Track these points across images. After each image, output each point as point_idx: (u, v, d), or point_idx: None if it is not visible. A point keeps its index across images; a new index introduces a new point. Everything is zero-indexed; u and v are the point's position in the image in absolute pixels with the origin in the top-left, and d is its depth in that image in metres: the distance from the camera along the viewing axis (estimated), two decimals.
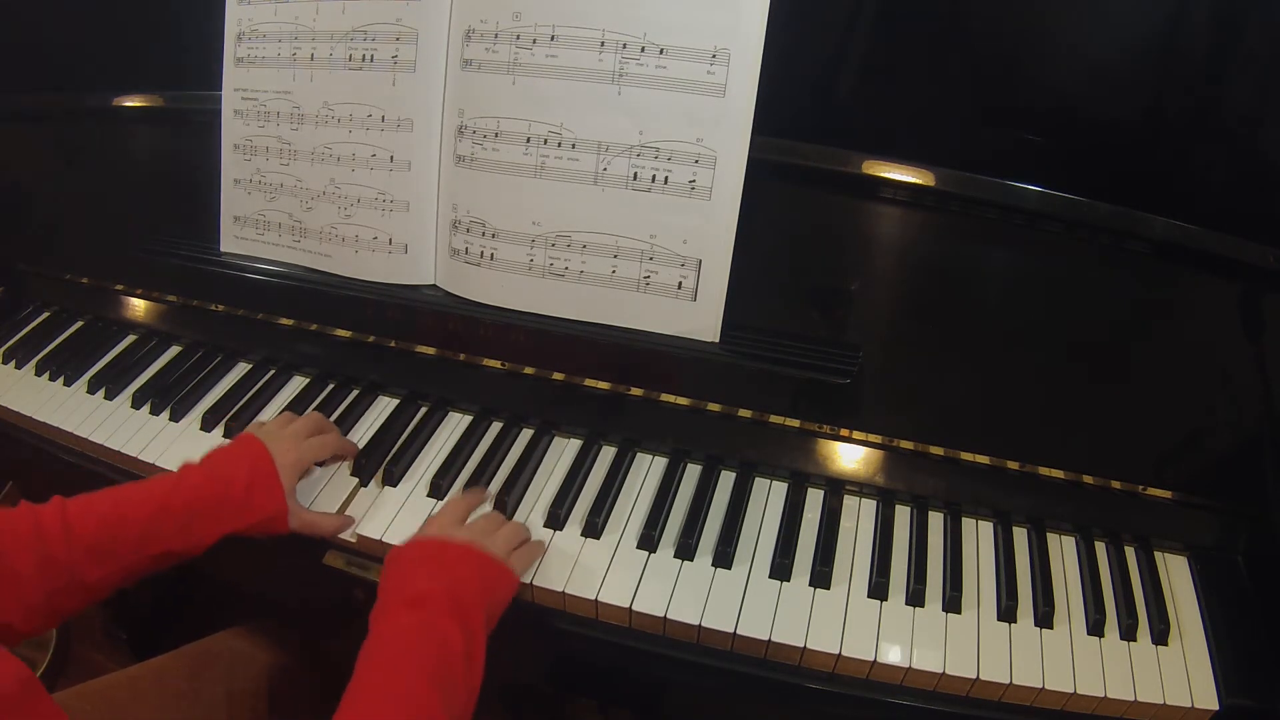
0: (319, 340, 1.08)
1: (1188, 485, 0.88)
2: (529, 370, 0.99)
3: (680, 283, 0.89)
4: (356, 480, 0.94)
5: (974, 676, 0.77)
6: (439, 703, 0.66)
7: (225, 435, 1.01)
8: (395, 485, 0.93)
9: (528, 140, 0.90)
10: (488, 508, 0.89)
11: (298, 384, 1.08)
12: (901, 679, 0.79)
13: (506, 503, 0.90)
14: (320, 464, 0.94)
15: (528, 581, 0.83)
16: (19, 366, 1.14)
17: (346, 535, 0.88)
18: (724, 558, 0.85)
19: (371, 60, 0.95)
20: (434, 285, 1.00)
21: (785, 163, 0.89)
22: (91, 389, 1.08)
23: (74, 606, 0.75)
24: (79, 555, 0.73)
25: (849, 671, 0.80)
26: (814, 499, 0.92)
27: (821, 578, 0.84)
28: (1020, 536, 0.90)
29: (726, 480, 0.94)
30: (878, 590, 0.83)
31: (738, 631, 0.79)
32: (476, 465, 0.95)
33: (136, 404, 1.05)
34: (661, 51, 0.84)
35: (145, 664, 0.92)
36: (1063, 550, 0.89)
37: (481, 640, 0.72)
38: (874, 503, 0.92)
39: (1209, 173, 0.91)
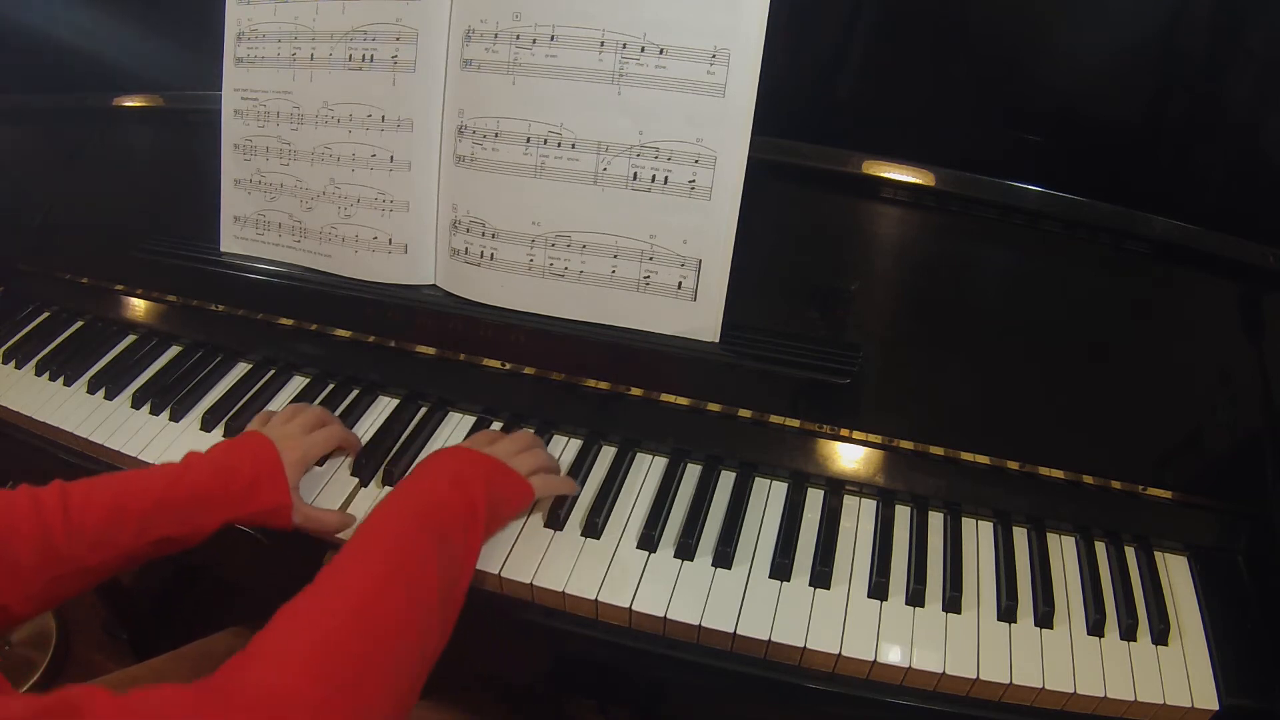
0: (319, 340, 1.08)
1: (1188, 485, 0.88)
2: (529, 370, 0.99)
3: (680, 283, 0.89)
4: (357, 480, 0.94)
5: (974, 676, 0.77)
6: (429, 544, 0.69)
7: (225, 435, 1.01)
8: (395, 485, 0.93)
9: (528, 140, 0.90)
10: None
11: (298, 384, 1.08)
12: (901, 679, 0.79)
13: None
14: (325, 458, 0.94)
15: (527, 582, 0.83)
16: (19, 366, 1.14)
17: (346, 535, 0.88)
18: (724, 558, 0.85)
19: (371, 60, 0.95)
20: (434, 285, 1.00)
21: (785, 163, 0.89)
22: (91, 389, 1.08)
23: (72, 591, 0.74)
24: (78, 541, 0.72)
25: (849, 671, 0.80)
26: (814, 499, 0.92)
27: (821, 578, 0.84)
28: (1020, 536, 0.90)
29: (726, 480, 0.94)
30: (878, 590, 0.83)
31: (738, 631, 0.80)
32: None
33: (136, 404, 1.05)
34: (661, 51, 0.84)
35: (145, 664, 0.92)
36: (1063, 550, 0.89)
37: (481, 516, 0.75)
38: (874, 503, 0.92)
39: (1209, 173, 0.91)
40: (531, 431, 0.92)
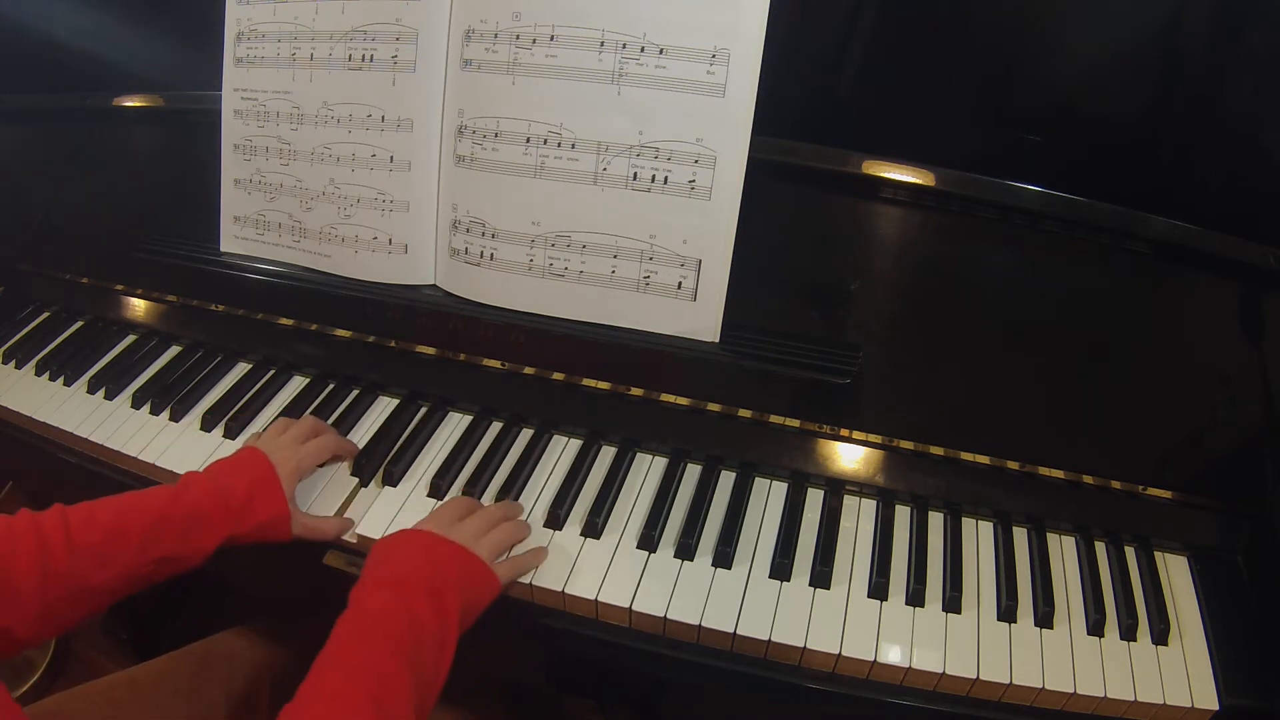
0: (319, 340, 1.08)
1: (1188, 485, 0.88)
2: (529, 370, 0.99)
3: (680, 283, 0.89)
4: (357, 480, 0.94)
5: (974, 676, 0.77)
6: (407, 680, 0.67)
7: (225, 435, 1.01)
8: (395, 485, 0.94)
9: (527, 140, 0.90)
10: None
11: (298, 384, 1.08)
12: (901, 679, 0.79)
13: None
14: (320, 465, 0.94)
15: (527, 582, 0.83)
16: (19, 366, 1.14)
17: (347, 536, 0.88)
18: (724, 558, 0.85)
19: (371, 60, 0.95)
20: (434, 285, 1.00)
21: (785, 163, 0.89)
22: (91, 389, 1.08)
23: (75, 615, 0.74)
24: (80, 562, 0.73)
25: (849, 671, 0.80)
26: (814, 499, 0.92)
27: (821, 578, 0.84)
28: (1020, 536, 0.90)
29: (726, 480, 0.94)
30: (878, 590, 0.83)
31: (738, 631, 0.80)
32: (476, 465, 0.95)
33: (136, 404, 1.05)
34: (661, 51, 0.84)
35: (145, 664, 0.92)
36: (1063, 550, 0.89)
37: (454, 631, 0.73)
38: (874, 503, 0.92)
39: (1209, 173, 0.91)
40: (507, 502, 0.89)
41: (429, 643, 0.70)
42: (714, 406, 0.95)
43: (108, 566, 0.74)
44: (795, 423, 0.93)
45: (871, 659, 0.78)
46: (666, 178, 0.86)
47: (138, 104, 1.15)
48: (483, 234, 0.94)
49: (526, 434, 0.99)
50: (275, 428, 0.94)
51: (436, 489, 0.93)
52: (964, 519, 0.91)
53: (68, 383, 1.10)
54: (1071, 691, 0.77)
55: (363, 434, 1.00)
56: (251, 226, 1.07)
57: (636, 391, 0.96)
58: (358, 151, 0.98)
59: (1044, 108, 0.92)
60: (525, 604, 0.84)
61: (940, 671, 0.77)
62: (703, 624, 0.80)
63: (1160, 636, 0.81)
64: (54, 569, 0.72)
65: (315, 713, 0.64)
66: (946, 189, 0.88)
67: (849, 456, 0.93)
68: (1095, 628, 0.81)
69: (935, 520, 0.91)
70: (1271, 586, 0.85)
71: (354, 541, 0.89)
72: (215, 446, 0.99)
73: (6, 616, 0.69)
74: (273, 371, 1.09)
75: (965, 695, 0.79)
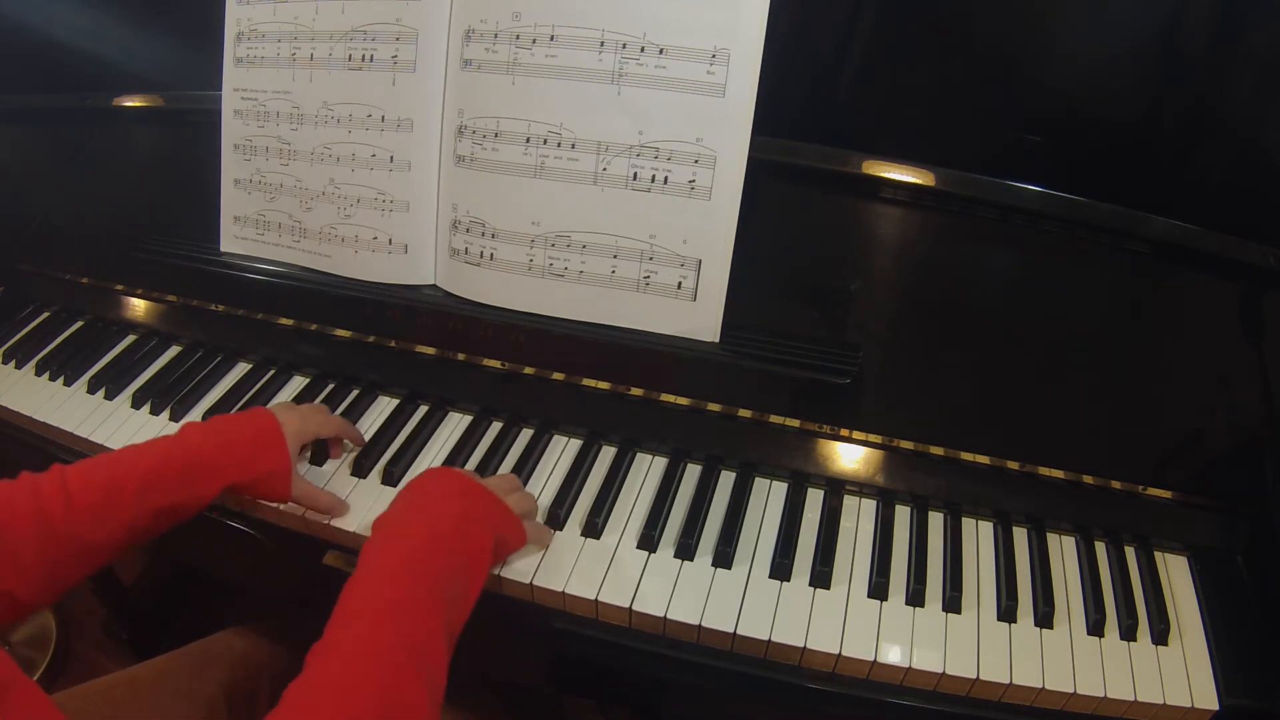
0: (319, 340, 1.08)
1: (1188, 485, 0.88)
2: (529, 370, 0.99)
3: (680, 283, 0.89)
4: (357, 480, 0.94)
5: (974, 676, 0.77)
6: (439, 613, 0.66)
7: None
8: (395, 485, 0.93)
9: (527, 140, 0.90)
10: None
11: (298, 384, 1.08)
12: (901, 679, 0.79)
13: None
14: (326, 457, 0.94)
15: (527, 582, 0.83)
16: (19, 366, 1.14)
17: (345, 526, 0.88)
18: (724, 558, 0.85)
19: (371, 60, 0.95)
20: (434, 285, 1.00)
21: (785, 163, 0.89)
22: (91, 389, 1.08)
23: (77, 574, 0.74)
24: (79, 517, 0.72)
25: (849, 671, 0.80)
26: (814, 499, 0.92)
27: (821, 578, 0.84)
28: (1020, 536, 0.90)
29: (726, 480, 0.94)
30: (878, 590, 0.83)
31: (738, 631, 0.80)
32: (477, 465, 0.95)
33: (137, 404, 1.05)
34: (661, 51, 0.84)
35: (145, 664, 0.92)
36: (1063, 550, 0.89)
37: (485, 562, 0.73)
38: (874, 503, 0.92)
39: (1209, 173, 0.91)
40: (513, 475, 0.91)
41: (458, 571, 0.70)
42: (714, 406, 0.95)
43: (107, 524, 0.74)
44: (795, 423, 0.93)
45: (871, 659, 0.78)
46: (666, 178, 0.86)
47: (138, 104, 1.15)
48: (483, 234, 0.94)
49: (526, 434, 0.99)
50: (283, 405, 0.94)
51: None
52: (964, 519, 0.91)
53: (68, 383, 1.10)
54: (1071, 691, 0.76)
55: (363, 433, 1.00)
56: (251, 226, 1.07)
57: (636, 391, 0.96)
58: (358, 151, 0.98)
59: (1044, 107, 0.92)
60: (525, 604, 0.84)
61: (940, 671, 0.77)
62: (703, 624, 0.80)
63: (1160, 636, 0.81)
64: (54, 529, 0.71)
65: (345, 652, 0.62)
66: (946, 189, 0.88)
67: (849, 456, 0.93)
68: (1095, 628, 0.81)
69: (935, 520, 0.91)
70: (1271, 586, 0.85)
71: (354, 542, 0.89)
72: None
73: (8, 579, 0.69)
74: (273, 371, 1.09)
75: (965, 695, 0.79)
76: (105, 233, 1.19)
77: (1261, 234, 0.84)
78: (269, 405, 0.95)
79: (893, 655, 0.78)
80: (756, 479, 0.94)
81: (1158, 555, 0.89)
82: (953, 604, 0.82)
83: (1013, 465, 0.90)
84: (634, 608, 0.81)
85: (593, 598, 0.82)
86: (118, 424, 1.03)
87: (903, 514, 0.91)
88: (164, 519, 0.78)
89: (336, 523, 0.89)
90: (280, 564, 0.92)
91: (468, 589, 0.71)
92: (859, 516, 0.91)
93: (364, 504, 0.91)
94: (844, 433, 0.92)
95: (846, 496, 0.93)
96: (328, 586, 0.88)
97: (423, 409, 1.03)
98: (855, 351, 0.89)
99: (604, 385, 0.97)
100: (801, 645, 0.79)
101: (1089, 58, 0.89)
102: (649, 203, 0.88)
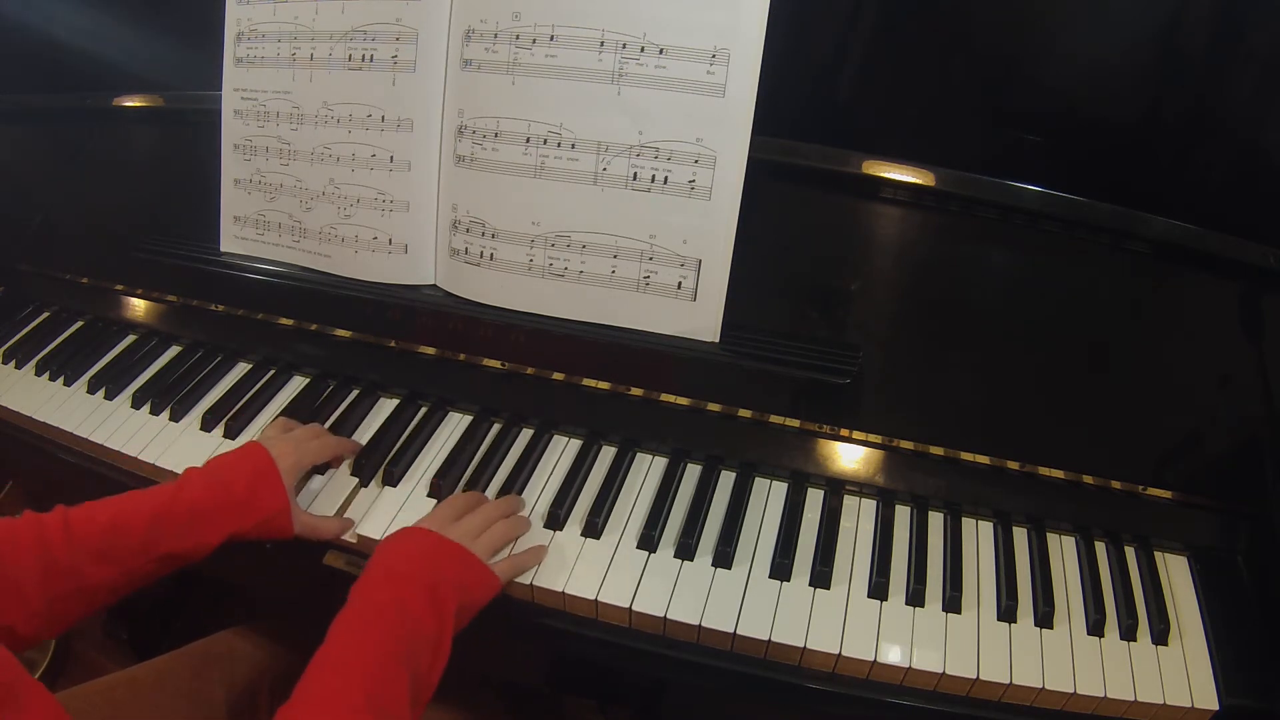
0: (319, 340, 1.08)
1: (1188, 485, 0.88)
2: (529, 370, 0.99)
3: (680, 283, 0.89)
4: (357, 480, 0.94)
5: (974, 676, 0.77)
6: (404, 678, 0.67)
7: (225, 435, 1.01)
8: (395, 485, 0.93)
9: (527, 140, 0.90)
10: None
11: (298, 384, 1.08)
12: (901, 679, 0.79)
13: None
14: (320, 470, 0.94)
15: (527, 583, 0.83)
16: (19, 366, 1.14)
17: (347, 536, 0.88)
18: (724, 558, 0.85)
19: (371, 60, 0.95)
20: (434, 285, 1.00)
21: (785, 163, 0.89)
22: (91, 389, 1.08)
23: (77, 612, 0.75)
24: (81, 559, 0.73)
25: (849, 671, 0.80)
26: (814, 499, 0.92)
27: (821, 578, 0.84)
28: (1020, 536, 0.90)
29: (726, 480, 0.94)
30: (878, 590, 0.83)
31: (738, 631, 0.80)
32: (476, 465, 0.95)
33: (136, 404, 1.05)
34: (661, 51, 0.84)
35: (145, 664, 0.92)
36: (1063, 550, 0.89)
37: (449, 633, 0.73)
38: (874, 503, 0.92)
39: (1209, 173, 0.91)
40: (509, 497, 0.90)
41: (425, 641, 0.71)
42: (714, 406, 0.95)
43: (108, 563, 0.75)
44: (795, 423, 0.93)
45: (871, 659, 0.78)
46: (666, 178, 0.86)
47: (138, 104, 1.15)
48: (483, 234, 0.94)
49: (526, 434, 0.99)
50: (277, 425, 0.94)
51: (436, 489, 0.93)
52: (964, 519, 0.91)
53: (68, 383, 1.10)
54: (1071, 691, 0.77)
55: (363, 434, 1.00)
56: (251, 226, 1.07)
57: (636, 391, 0.96)
58: (358, 151, 0.98)
59: (1044, 107, 0.92)
60: (525, 604, 0.84)
61: (940, 671, 0.77)
62: (703, 624, 0.80)
63: (1160, 636, 0.81)
64: (55, 566, 0.72)
65: (312, 713, 0.64)
66: (946, 189, 0.88)
67: (849, 456, 0.93)
68: (1095, 628, 0.81)
69: (935, 520, 0.91)
70: (1271, 586, 0.85)
71: (354, 541, 0.89)
72: (215, 446, 0.99)
73: (9, 614, 0.70)
74: (273, 371, 1.09)
75: (965, 695, 0.79)
76: (105, 233, 1.19)
77: (1261, 234, 0.84)
78: (265, 424, 0.96)
79: (893, 655, 0.78)
80: (756, 479, 0.94)
81: (1158, 555, 0.89)
82: (953, 604, 0.82)
83: (1013, 465, 0.90)
84: (634, 608, 0.81)
85: (593, 598, 0.82)
86: (118, 424, 1.03)
87: (903, 514, 0.91)
88: (168, 564, 0.78)
89: None
90: (280, 564, 0.92)
91: (434, 661, 0.71)
92: (859, 516, 0.91)
93: (364, 506, 0.91)
94: (844, 433, 0.92)
95: (846, 496, 0.93)
96: (328, 586, 0.89)
97: (423, 409, 1.03)
98: (855, 351, 0.89)
99: (604, 385, 0.97)
100: (801, 645, 0.79)
101: (1089, 58, 0.89)
102: (649, 203, 0.87)
